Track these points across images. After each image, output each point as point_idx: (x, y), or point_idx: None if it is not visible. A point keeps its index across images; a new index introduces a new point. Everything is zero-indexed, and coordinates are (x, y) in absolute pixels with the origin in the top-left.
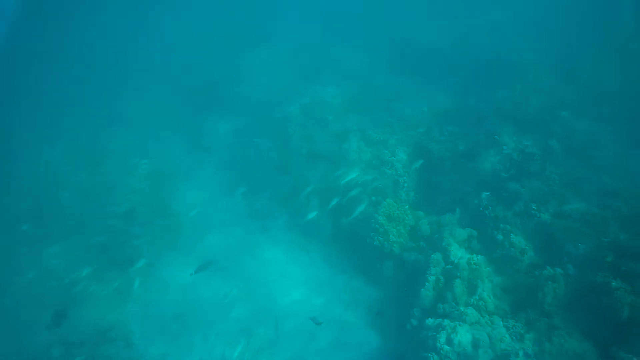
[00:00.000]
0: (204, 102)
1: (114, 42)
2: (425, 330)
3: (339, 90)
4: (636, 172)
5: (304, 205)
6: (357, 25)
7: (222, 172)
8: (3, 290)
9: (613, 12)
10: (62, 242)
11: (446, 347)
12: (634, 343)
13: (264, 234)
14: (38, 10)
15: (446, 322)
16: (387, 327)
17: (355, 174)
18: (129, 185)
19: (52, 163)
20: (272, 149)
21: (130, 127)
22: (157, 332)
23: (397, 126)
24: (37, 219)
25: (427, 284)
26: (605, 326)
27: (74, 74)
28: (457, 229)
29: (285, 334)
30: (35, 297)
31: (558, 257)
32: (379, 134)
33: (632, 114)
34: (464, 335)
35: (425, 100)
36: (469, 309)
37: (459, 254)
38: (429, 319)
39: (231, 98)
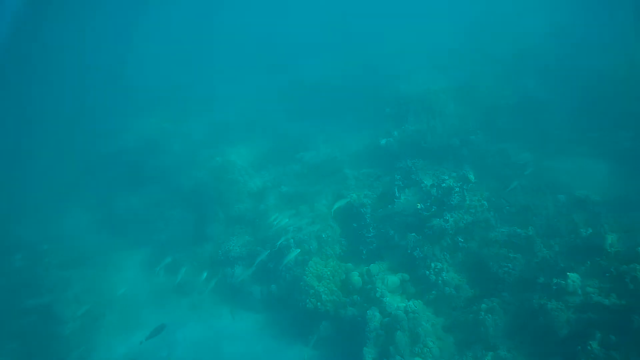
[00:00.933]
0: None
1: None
2: None
3: (247, 147)
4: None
5: (229, 273)
6: (254, 71)
7: (140, 249)
8: None
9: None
10: None
11: None
12: (577, 358)
13: (193, 311)
14: None
15: None
16: None
17: (276, 233)
18: (41, 277)
19: None
20: (187, 219)
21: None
22: None
23: (312, 177)
24: None
25: (367, 341)
26: (549, 347)
27: None
28: (389, 276)
29: None
30: None
31: (493, 287)
32: (295, 187)
33: (534, 125)
34: None
35: (335, 143)
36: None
37: (394, 303)
38: None
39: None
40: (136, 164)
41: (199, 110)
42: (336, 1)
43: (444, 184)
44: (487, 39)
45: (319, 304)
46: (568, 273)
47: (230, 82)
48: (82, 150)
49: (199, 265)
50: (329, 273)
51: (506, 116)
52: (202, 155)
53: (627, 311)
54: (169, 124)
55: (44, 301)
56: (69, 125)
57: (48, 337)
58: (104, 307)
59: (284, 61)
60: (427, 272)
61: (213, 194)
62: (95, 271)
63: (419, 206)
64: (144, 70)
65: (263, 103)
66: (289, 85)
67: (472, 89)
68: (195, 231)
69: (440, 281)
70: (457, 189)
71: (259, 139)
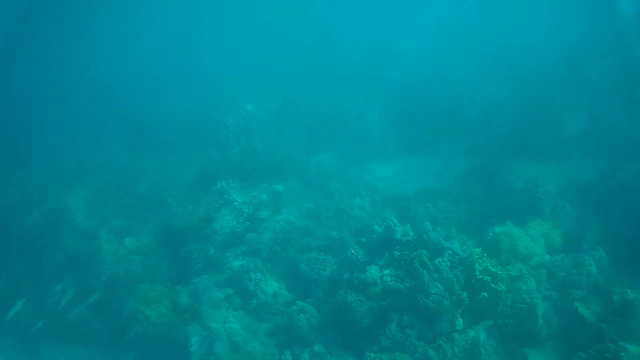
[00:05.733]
0: None
1: None
2: None
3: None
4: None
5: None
6: None
7: None
8: None
9: None
10: None
11: None
12: (380, 342)
13: None
14: None
15: None
16: None
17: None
18: None
19: None
20: None
21: None
22: None
23: (138, 209)
24: None
25: (191, 355)
26: (359, 335)
27: None
28: (214, 292)
29: None
30: None
31: (307, 288)
32: (121, 222)
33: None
34: None
35: (161, 173)
36: None
37: (215, 316)
38: None
39: None
40: None
41: None
42: None
43: (255, 200)
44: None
45: (150, 327)
46: (367, 267)
47: None
48: None
49: None
50: (156, 297)
51: (326, 130)
52: None
53: (415, 292)
54: None
55: None
56: None
57: None
58: None
59: None
60: (249, 283)
61: None
62: None
63: (232, 223)
64: None
65: None
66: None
67: (294, 108)
68: None
69: (259, 291)
70: (269, 203)
71: None
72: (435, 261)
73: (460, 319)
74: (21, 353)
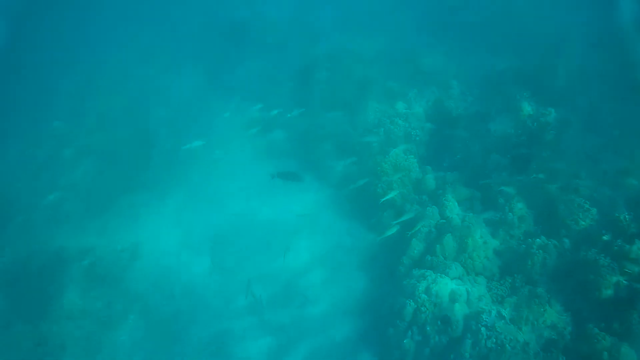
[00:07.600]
0: None
1: None
2: (409, 278)
3: (366, 41)
4: None
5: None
6: None
7: None
8: None
9: None
10: None
11: (423, 296)
12: (611, 323)
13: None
14: None
15: (429, 272)
16: (378, 273)
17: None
18: None
19: None
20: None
21: None
22: None
23: (419, 80)
24: None
25: (418, 234)
26: (588, 302)
27: None
28: (461, 187)
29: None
30: None
31: (556, 230)
32: (400, 86)
33: None
34: (443, 287)
35: (453, 59)
36: (454, 264)
37: (455, 210)
38: (416, 268)
39: None
40: None
41: None
42: None
43: (542, 118)
44: None
45: (388, 191)
46: (636, 239)
47: None
48: None
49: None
50: (406, 166)
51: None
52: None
53: None
54: None
55: None
56: None
57: None
58: None
59: None
60: (499, 195)
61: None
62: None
63: (509, 131)
64: None
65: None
66: None
67: None
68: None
69: (507, 207)
70: (553, 128)
71: (379, 38)
72: None
73: None
74: None
